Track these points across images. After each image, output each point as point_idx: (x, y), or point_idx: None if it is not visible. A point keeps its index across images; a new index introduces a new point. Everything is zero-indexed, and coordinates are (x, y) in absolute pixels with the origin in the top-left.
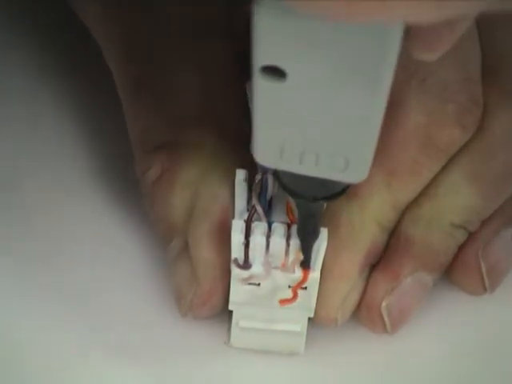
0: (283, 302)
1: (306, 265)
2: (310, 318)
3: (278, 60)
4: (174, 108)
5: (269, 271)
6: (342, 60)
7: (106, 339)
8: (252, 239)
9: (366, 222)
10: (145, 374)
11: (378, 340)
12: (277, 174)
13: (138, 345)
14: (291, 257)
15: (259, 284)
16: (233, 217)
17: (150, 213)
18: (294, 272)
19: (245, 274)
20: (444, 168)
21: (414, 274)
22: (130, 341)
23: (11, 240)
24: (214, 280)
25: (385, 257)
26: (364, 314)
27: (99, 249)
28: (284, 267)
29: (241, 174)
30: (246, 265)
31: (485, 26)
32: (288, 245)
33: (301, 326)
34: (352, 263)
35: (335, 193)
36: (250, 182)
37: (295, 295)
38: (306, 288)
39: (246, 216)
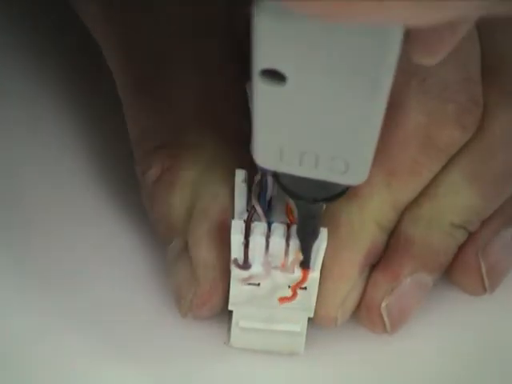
0: (282, 299)
1: (305, 265)
2: (309, 318)
3: (278, 63)
4: (173, 108)
5: (268, 271)
6: (341, 63)
7: (105, 339)
8: (252, 239)
9: (365, 222)
10: (145, 373)
11: (377, 340)
12: (276, 175)
13: (138, 345)
14: (291, 257)
15: (259, 284)
16: (232, 217)
17: (150, 213)
18: (293, 272)
19: (244, 274)
20: (444, 168)
21: (413, 274)
22: (130, 341)
23: (11, 240)
24: (214, 280)
25: (385, 257)
26: (364, 314)
27: (99, 249)
28: (284, 267)
29: (240, 175)
30: (245, 265)
31: (485, 26)
32: (288, 245)
33: (301, 326)
34: (352, 263)
35: (335, 194)
36: (249, 182)
37: (294, 294)
38: (305, 288)
39: (245, 216)
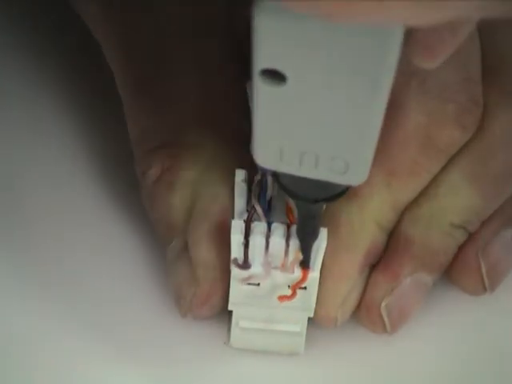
0: (282, 298)
1: (305, 265)
2: (309, 318)
3: (278, 64)
4: (173, 108)
5: (268, 271)
6: (342, 63)
7: (105, 339)
8: (251, 239)
9: (365, 222)
10: (145, 373)
11: (377, 340)
12: (276, 175)
13: (138, 345)
14: (291, 257)
15: (259, 284)
16: (232, 217)
17: (150, 213)
18: (293, 272)
19: (244, 274)
20: (444, 168)
21: (413, 274)
22: (130, 341)
23: (11, 241)
24: (214, 280)
25: (385, 257)
26: (364, 314)
27: (99, 249)
28: (283, 267)
29: (240, 175)
30: (245, 265)
31: (485, 26)
32: (287, 245)
33: (300, 327)
34: (352, 263)
35: (335, 194)
36: (249, 182)
37: (294, 293)
38: (305, 288)
39: (245, 216)
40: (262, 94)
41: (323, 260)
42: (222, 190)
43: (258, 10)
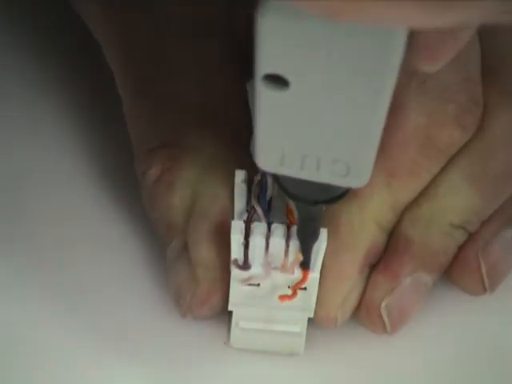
0: (283, 297)
1: (305, 266)
2: (309, 318)
3: (281, 68)
4: (173, 108)
5: (268, 272)
6: (345, 66)
7: (105, 339)
8: (251, 240)
9: (365, 222)
10: (145, 373)
11: (377, 340)
12: (277, 177)
13: (138, 345)
14: (291, 257)
15: (259, 284)
16: (232, 217)
17: (150, 213)
18: (293, 273)
19: (244, 274)
20: (444, 168)
21: (413, 275)
22: (130, 341)
23: (12, 241)
24: (213, 280)
25: (384, 257)
26: (364, 314)
27: (99, 249)
28: (283, 268)
29: (240, 175)
30: (245, 265)
31: (485, 26)
32: (287, 245)
33: (300, 327)
34: (352, 263)
35: (335, 196)
36: (249, 182)
37: (295, 292)
38: (305, 288)
39: (245, 217)
40: (264, 98)
41: (323, 260)
42: (221, 190)
43: (262, 16)
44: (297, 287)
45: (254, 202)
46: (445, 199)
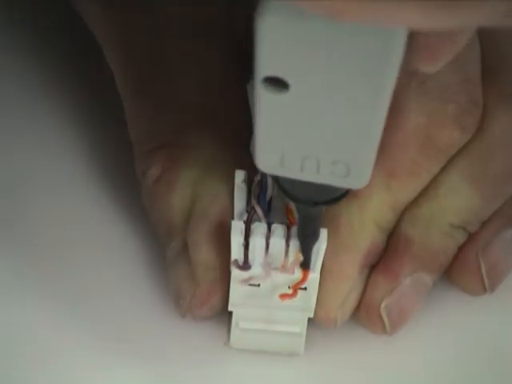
0: (284, 296)
1: (305, 266)
2: (309, 319)
3: (281, 71)
4: (174, 108)
5: (268, 272)
6: (345, 68)
7: (105, 339)
8: (251, 240)
9: (365, 223)
10: (144, 374)
11: (377, 340)
12: (277, 179)
13: (138, 345)
14: (291, 258)
15: (259, 285)
16: (232, 218)
17: (150, 213)
18: (293, 273)
19: (244, 275)
20: (443, 169)
21: (413, 275)
22: (130, 341)
23: (12, 241)
24: (213, 280)
25: (384, 257)
26: (363, 314)
27: (99, 249)
28: (283, 268)
29: (240, 175)
30: (245, 266)
31: (485, 27)
32: (287, 246)
33: (300, 327)
34: (352, 263)
35: (335, 197)
36: (249, 182)
37: (295, 291)
38: (305, 288)
39: (245, 217)
40: (264, 101)
41: (323, 260)
42: (221, 190)
43: (262, 14)
44: (297, 287)
45: (253, 203)
46: (445, 200)
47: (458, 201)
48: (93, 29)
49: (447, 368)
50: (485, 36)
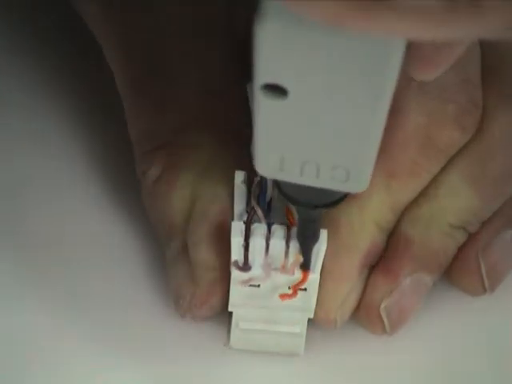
0: (284, 296)
1: (305, 267)
2: (309, 319)
3: (280, 78)
4: (174, 108)
5: (268, 273)
6: (344, 73)
7: (105, 339)
8: (252, 241)
9: (365, 223)
10: (145, 374)
11: (377, 340)
12: (277, 182)
13: (138, 345)
14: (291, 259)
15: (259, 286)
16: (232, 218)
17: (150, 213)
18: (293, 274)
19: (244, 275)
20: (443, 169)
21: (413, 275)
22: (130, 341)
23: (12, 242)
24: (213, 281)
25: (384, 257)
26: (363, 315)
27: (99, 249)
28: (283, 269)
29: (240, 176)
30: (245, 267)
31: None
32: (288, 247)
33: (300, 328)
34: (351, 264)
35: (335, 200)
36: (249, 183)
37: (295, 292)
38: (305, 289)
39: (245, 218)
40: (263, 107)
41: (323, 261)
42: (221, 190)
43: (261, 27)
44: (297, 288)
45: (253, 203)
46: (445, 200)
47: (457, 201)
48: (93, 29)
49: (447, 368)
50: None
